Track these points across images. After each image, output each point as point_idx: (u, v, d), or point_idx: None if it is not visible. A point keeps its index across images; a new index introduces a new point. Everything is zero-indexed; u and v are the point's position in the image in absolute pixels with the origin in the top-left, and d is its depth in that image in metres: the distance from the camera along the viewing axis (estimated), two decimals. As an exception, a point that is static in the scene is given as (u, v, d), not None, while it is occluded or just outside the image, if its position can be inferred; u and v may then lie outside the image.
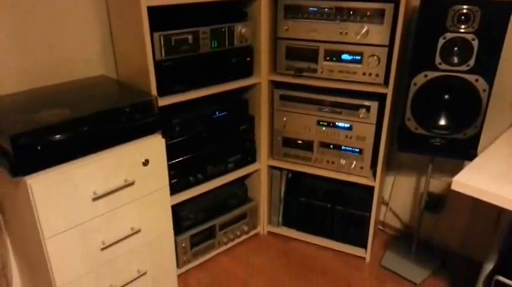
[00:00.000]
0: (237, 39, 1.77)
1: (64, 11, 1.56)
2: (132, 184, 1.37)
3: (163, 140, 1.45)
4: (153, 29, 1.49)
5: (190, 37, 1.62)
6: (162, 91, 1.58)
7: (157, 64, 1.54)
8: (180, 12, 1.63)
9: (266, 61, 1.88)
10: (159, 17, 1.52)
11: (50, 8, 1.53)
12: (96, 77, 1.67)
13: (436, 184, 2.02)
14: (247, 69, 1.86)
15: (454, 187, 1.13)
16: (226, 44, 1.74)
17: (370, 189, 1.89)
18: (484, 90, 1.56)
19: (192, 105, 1.75)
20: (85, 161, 1.26)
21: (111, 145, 1.35)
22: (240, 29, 1.76)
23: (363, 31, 1.70)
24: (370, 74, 1.75)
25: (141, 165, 1.38)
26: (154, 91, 1.53)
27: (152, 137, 1.45)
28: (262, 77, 1.89)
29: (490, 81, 1.54)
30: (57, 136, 1.23)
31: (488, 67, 1.53)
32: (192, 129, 1.73)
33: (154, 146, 1.42)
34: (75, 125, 1.27)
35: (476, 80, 1.55)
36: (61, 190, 1.21)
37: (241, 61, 1.82)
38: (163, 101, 1.57)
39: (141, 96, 1.48)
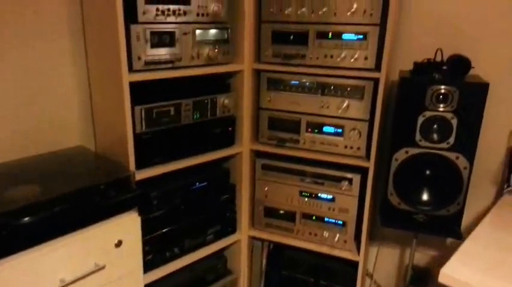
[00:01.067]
0: (219, 109, 1.77)
1: (42, 79, 1.54)
2: (102, 268, 1.28)
3: (138, 219, 1.39)
4: (134, 102, 1.47)
5: (172, 109, 1.60)
6: (141, 163, 1.54)
7: (137, 137, 1.51)
8: (163, 85, 1.62)
9: (248, 131, 1.87)
10: (141, 90, 1.51)
11: (26, 73, 1.50)
12: (73, 148, 1.62)
13: (420, 257, 1.98)
14: (229, 139, 1.84)
15: (441, 279, 1.09)
16: (209, 115, 1.73)
17: (355, 263, 1.83)
18: (465, 167, 1.57)
19: (171, 175, 1.70)
20: (53, 246, 1.18)
21: (83, 226, 1.27)
22: (223, 100, 1.76)
23: (344, 106, 1.72)
24: (351, 147, 1.75)
25: (113, 247, 1.30)
26: (132, 165, 1.49)
27: (127, 214, 1.38)
28: (244, 146, 1.87)
29: (471, 158, 1.56)
30: (26, 219, 1.15)
31: (468, 145, 1.55)
32: (171, 202, 1.66)
33: (128, 226, 1.36)
34: (46, 207, 1.19)
35: (457, 158, 1.57)
36: (26, 279, 1.11)
37: (223, 131, 1.81)
38: (142, 174, 1.52)
39: (118, 172, 1.43)
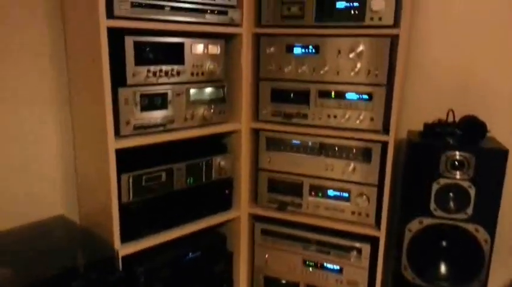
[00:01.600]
0: (215, 172, 1.64)
1: (24, 143, 1.42)
2: None
3: (122, 308, 1.23)
4: (122, 168, 1.34)
5: (163, 175, 1.47)
6: (128, 236, 1.39)
7: (124, 207, 1.37)
8: (154, 148, 1.50)
9: (246, 193, 1.74)
10: (129, 154, 1.38)
11: (7, 136, 1.38)
12: (54, 218, 1.47)
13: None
14: (225, 203, 1.70)
15: None
16: (204, 179, 1.60)
17: None
18: (486, 241, 1.42)
19: (161, 245, 1.55)
20: None
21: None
22: (219, 161, 1.64)
23: (350, 169, 1.59)
24: (359, 214, 1.60)
25: None
26: (117, 241, 1.34)
27: (109, 301, 1.22)
28: (242, 210, 1.73)
29: (492, 231, 1.41)
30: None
31: (488, 216, 1.41)
32: (160, 277, 1.50)
33: (109, 316, 1.19)
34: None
35: (477, 230, 1.42)
36: None
37: (219, 194, 1.67)
38: (128, 249, 1.37)
39: (100, 250, 1.29)
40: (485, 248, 1.42)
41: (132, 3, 1.25)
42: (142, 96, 1.37)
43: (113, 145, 1.30)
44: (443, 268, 1.49)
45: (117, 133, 1.33)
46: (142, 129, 1.39)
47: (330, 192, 1.64)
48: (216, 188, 1.66)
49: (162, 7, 1.33)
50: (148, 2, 1.29)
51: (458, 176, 1.41)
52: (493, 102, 1.61)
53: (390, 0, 1.42)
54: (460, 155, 1.40)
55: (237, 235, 1.76)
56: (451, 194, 1.44)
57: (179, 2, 1.37)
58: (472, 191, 1.40)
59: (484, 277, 1.44)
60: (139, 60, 1.35)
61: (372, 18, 1.46)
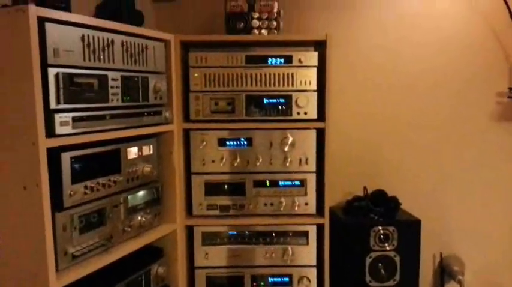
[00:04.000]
0: (153, 283, 1.47)
1: None
2: None
3: None
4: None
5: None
6: None
7: None
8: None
9: (184, 296, 1.61)
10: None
11: None
12: None
13: None
14: (164, 314, 1.53)
15: None
16: (143, 294, 1.42)
17: None
18: (413, 301, 1.63)
19: None
20: None
21: None
22: (157, 269, 1.48)
23: (289, 253, 1.64)
24: (302, 297, 1.65)
25: None
26: None
27: None
28: (181, 316, 1.58)
29: (415, 292, 1.63)
30: None
31: (412, 278, 1.63)
32: None
33: None
34: None
35: (404, 294, 1.62)
36: None
37: (157, 306, 1.50)
38: None
39: None
40: (412, 308, 1.63)
41: (73, 118, 1.08)
42: (80, 217, 1.17)
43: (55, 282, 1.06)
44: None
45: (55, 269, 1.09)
46: (81, 257, 1.17)
47: (271, 279, 1.65)
48: (154, 301, 1.48)
49: (103, 117, 1.19)
50: (90, 113, 1.14)
51: (385, 248, 1.60)
52: (398, 179, 1.89)
53: (312, 98, 1.58)
54: (385, 230, 1.60)
55: None
56: (380, 264, 1.62)
57: (119, 109, 1.25)
58: (398, 259, 1.61)
59: None
60: (76, 178, 1.16)
61: (298, 113, 1.59)
